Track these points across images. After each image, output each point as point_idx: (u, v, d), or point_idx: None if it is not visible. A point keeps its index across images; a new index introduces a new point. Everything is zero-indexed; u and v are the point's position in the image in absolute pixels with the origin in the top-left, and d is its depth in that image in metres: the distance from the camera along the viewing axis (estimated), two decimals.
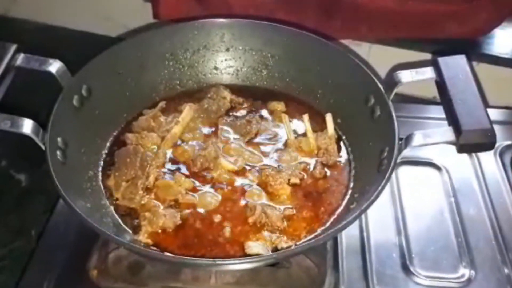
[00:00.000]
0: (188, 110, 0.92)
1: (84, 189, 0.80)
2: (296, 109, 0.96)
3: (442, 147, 0.96)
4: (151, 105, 0.95)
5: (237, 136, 0.91)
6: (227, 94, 0.96)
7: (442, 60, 0.79)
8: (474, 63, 1.12)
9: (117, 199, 0.82)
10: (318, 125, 0.92)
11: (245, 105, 0.97)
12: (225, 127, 0.93)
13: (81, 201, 0.74)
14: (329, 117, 0.90)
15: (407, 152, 0.74)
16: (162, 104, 0.95)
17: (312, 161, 0.88)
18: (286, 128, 0.91)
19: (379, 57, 1.17)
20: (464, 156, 0.98)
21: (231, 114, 0.95)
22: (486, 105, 0.76)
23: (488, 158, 0.98)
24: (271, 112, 0.96)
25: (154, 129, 0.90)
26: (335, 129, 0.90)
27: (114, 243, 0.77)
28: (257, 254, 0.73)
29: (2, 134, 0.73)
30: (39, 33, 1.36)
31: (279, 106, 0.96)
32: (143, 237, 0.76)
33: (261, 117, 0.95)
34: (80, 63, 0.85)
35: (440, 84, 0.78)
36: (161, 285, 0.78)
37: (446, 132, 0.73)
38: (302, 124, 0.92)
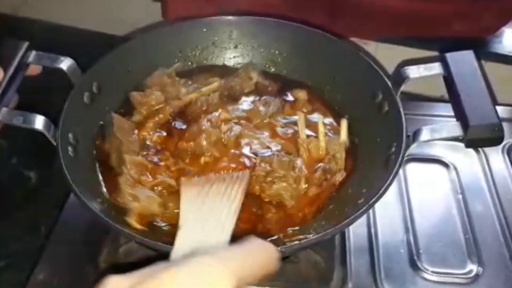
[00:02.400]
0: (215, 85, 0.92)
1: (94, 184, 0.81)
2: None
3: (450, 145, 0.98)
4: None
5: (248, 120, 0.88)
6: (254, 75, 0.94)
7: (449, 56, 0.79)
8: (482, 62, 1.12)
9: None
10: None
11: (270, 89, 0.94)
12: (241, 107, 0.90)
13: (92, 197, 0.74)
14: (344, 123, 0.87)
15: (414, 148, 0.74)
16: (178, 65, 0.95)
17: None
18: (299, 126, 0.88)
19: (386, 55, 1.17)
20: (472, 153, 0.99)
21: (251, 96, 0.92)
22: (495, 102, 0.75)
23: (495, 156, 0.98)
24: (293, 99, 0.92)
25: (165, 86, 0.89)
26: None
27: (125, 237, 0.78)
28: None
29: (12, 132, 0.74)
30: (48, 32, 1.37)
31: (301, 94, 0.92)
32: None
33: (282, 101, 0.92)
34: (89, 62, 0.86)
35: (448, 79, 0.78)
36: None
37: (453, 127, 0.73)
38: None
